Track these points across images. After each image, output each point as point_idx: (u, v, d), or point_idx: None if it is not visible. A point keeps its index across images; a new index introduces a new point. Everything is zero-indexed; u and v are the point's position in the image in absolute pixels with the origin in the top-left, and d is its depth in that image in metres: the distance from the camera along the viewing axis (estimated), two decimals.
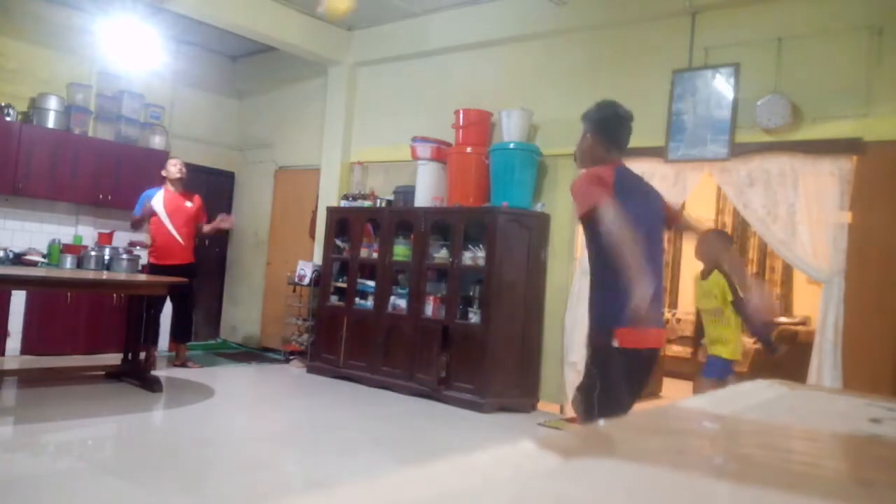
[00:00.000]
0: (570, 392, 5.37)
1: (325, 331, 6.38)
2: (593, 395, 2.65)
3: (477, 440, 4.46)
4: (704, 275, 4.32)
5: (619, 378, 2.61)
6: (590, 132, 2.79)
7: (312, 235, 7.21)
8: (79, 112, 6.61)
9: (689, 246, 8.79)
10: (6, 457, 3.55)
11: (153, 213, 5.93)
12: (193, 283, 6.05)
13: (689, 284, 8.81)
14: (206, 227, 6.24)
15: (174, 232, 5.95)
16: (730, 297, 4.14)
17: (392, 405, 5.31)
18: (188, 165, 7.54)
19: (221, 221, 6.30)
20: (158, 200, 5.94)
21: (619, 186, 2.57)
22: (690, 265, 8.73)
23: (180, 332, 6.31)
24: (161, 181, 6.05)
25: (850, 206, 4.28)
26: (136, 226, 6.15)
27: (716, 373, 4.17)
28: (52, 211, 6.64)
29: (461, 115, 5.84)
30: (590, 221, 2.56)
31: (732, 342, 4.21)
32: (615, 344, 2.57)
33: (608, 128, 2.78)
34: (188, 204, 6.07)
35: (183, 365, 6.18)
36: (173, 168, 6.03)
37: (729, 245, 4.63)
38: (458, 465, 0.51)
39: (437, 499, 0.45)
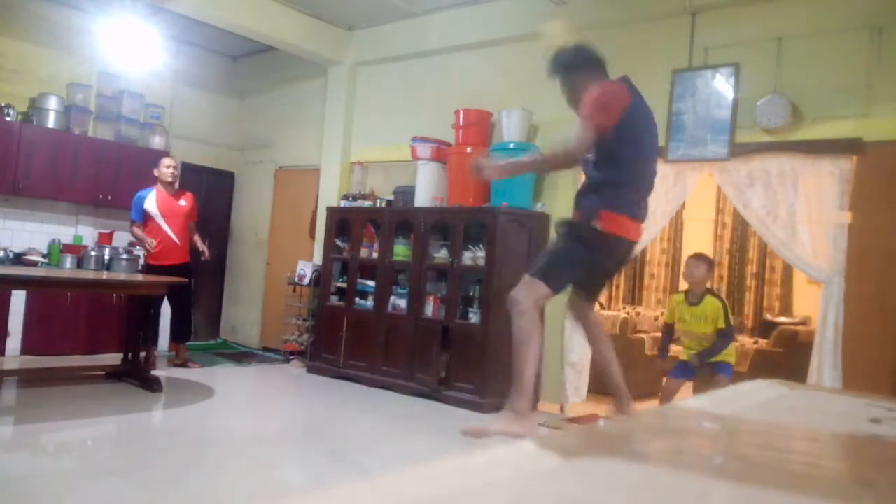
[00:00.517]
0: (570, 392, 5.37)
1: (325, 331, 6.38)
2: (550, 255, 2.90)
3: (477, 440, 4.46)
4: (693, 298, 4.33)
5: (584, 252, 2.82)
6: (567, 76, 2.98)
7: (312, 235, 7.21)
8: (79, 112, 6.61)
9: (689, 247, 8.80)
10: (6, 457, 3.55)
11: (149, 219, 5.91)
12: (191, 283, 6.06)
13: None
14: (195, 237, 6.20)
15: (170, 232, 5.94)
16: (721, 325, 4.19)
17: (392, 405, 5.30)
18: (188, 165, 7.57)
19: (202, 250, 6.18)
20: (151, 202, 5.91)
21: (631, 112, 2.79)
22: None
23: (180, 332, 6.31)
24: (153, 180, 6.04)
25: (850, 206, 4.28)
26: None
27: (730, 373, 4.28)
28: (52, 211, 6.64)
29: (461, 115, 5.84)
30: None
31: (734, 354, 4.40)
32: (597, 225, 2.76)
33: (579, 61, 2.97)
34: (182, 202, 6.06)
35: (183, 365, 6.18)
36: (166, 170, 5.98)
37: (713, 269, 4.76)
38: (458, 465, 0.51)
39: (437, 499, 0.45)
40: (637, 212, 2.88)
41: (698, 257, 4.46)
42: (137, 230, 5.96)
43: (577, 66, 2.96)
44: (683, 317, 4.37)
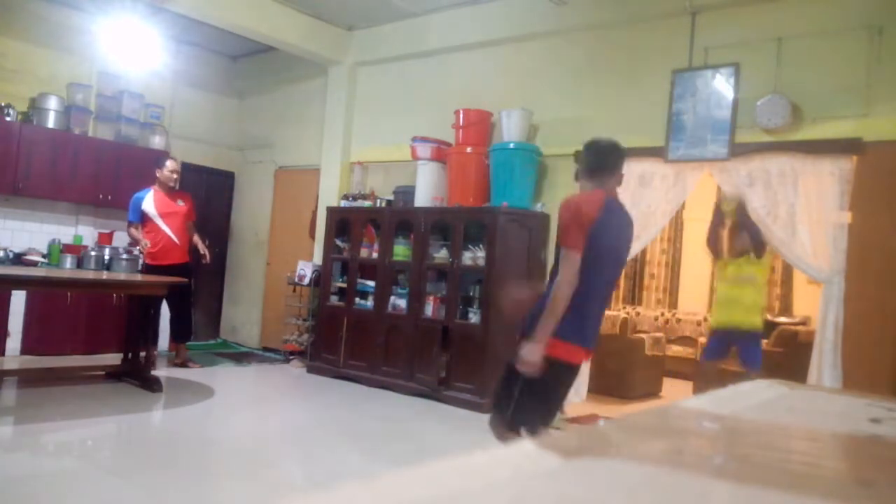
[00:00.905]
0: (570, 392, 5.37)
1: (325, 331, 6.38)
2: (516, 412, 2.91)
3: (477, 440, 4.46)
4: (738, 255, 4.76)
5: (541, 392, 2.88)
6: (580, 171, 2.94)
7: (312, 235, 7.21)
8: (79, 112, 6.61)
9: (689, 246, 8.79)
10: (6, 457, 3.55)
11: (148, 220, 5.91)
12: (191, 282, 6.06)
13: (690, 285, 8.85)
14: (195, 238, 6.20)
15: (169, 232, 5.95)
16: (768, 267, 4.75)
17: (392, 405, 5.30)
18: (188, 165, 7.56)
19: (203, 253, 6.16)
20: (149, 203, 5.92)
21: (602, 221, 2.69)
22: (690, 265, 8.73)
23: (180, 332, 6.31)
24: (154, 180, 6.03)
25: (850, 206, 4.28)
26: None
27: (759, 352, 4.75)
28: (52, 211, 6.64)
29: (461, 115, 5.84)
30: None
31: (762, 313, 4.87)
32: (550, 353, 2.79)
33: (587, 161, 2.89)
34: (179, 203, 6.07)
35: (183, 364, 6.18)
36: (169, 174, 6.00)
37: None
38: (458, 465, 0.51)
39: (437, 499, 0.45)
40: (587, 338, 2.83)
41: (739, 227, 4.83)
42: (134, 231, 5.97)
43: (583, 165, 2.88)
44: (726, 269, 4.77)
